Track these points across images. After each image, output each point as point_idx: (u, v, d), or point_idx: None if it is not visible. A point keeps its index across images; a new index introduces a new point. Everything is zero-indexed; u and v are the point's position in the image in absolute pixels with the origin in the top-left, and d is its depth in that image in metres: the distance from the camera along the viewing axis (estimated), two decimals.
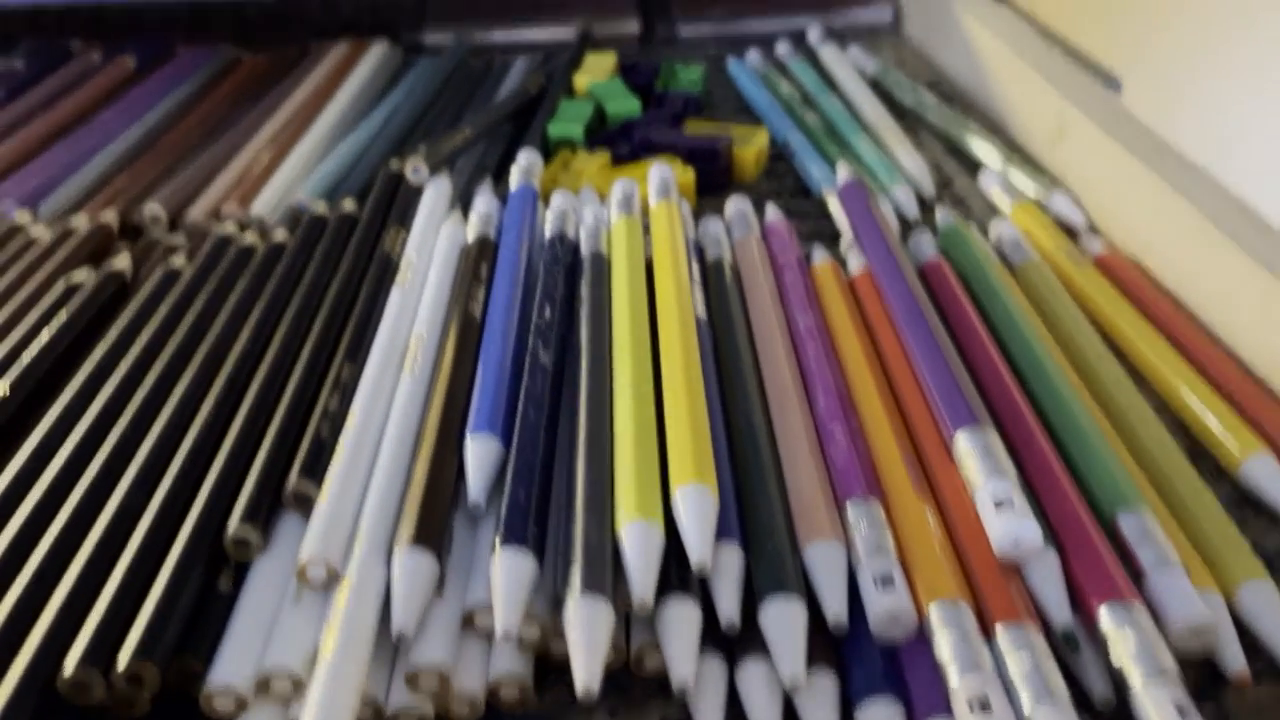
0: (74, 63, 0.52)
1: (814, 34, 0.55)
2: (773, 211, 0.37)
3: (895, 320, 0.30)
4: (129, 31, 0.60)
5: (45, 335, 0.31)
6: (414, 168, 0.38)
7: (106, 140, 0.45)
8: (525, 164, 0.39)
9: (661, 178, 0.37)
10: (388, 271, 0.33)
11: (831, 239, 0.36)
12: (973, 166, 0.42)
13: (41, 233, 0.37)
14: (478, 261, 0.33)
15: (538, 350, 0.28)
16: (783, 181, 0.42)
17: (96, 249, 0.36)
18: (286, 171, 0.42)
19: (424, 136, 0.45)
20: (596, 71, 0.50)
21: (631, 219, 0.34)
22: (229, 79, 0.51)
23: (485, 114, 0.44)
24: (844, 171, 0.38)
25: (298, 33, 0.58)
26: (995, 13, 0.48)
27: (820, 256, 0.34)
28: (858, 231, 0.34)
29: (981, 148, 0.42)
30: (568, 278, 0.32)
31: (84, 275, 0.34)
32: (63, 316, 0.32)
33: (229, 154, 0.43)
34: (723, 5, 0.59)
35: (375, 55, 0.53)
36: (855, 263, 0.34)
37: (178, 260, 0.34)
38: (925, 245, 0.35)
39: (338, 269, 0.33)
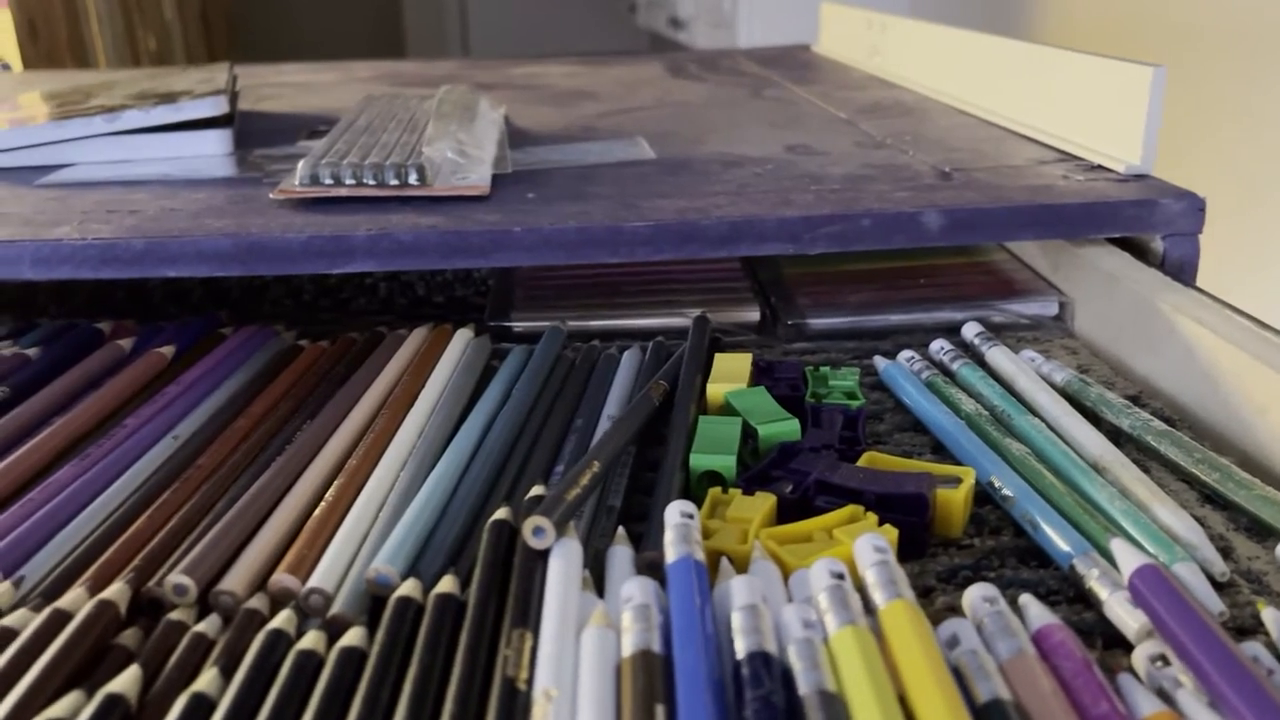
0: (100, 352, 0.42)
1: (971, 331, 0.47)
2: (1038, 610, 0.26)
3: None
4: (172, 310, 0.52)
5: None
6: (536, 528, 0.28)
7: (115, 472, 0.34)
8: (680, 522, 0.29)
9: (883, 560, 0.26)
10: (514, 706, 0.23)
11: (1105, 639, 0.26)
12: (1246, 524, 0.32)
13: (21, 619, 0.26)
14: (647, 694, 0.23)
15: None
16: (998, 539, 0.32)
17: (97, 641, 0.26)
18: (358, 513, 0.32)
19: (528, 460, 0.36)
20: (729, 376, 0.41)
21: (860, 630, 0.24)
22: (284, 374, 0.42)
23: (608, 439, 0.35)
24: (1127, 553, 0.28)
25: (359, 319, 0.50)
26: (1218, 316, 0.40)
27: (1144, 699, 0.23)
28: (1181, 645, 0.24)
29: (1262, 503, 0.32)
30: None
31: (74, 704, 0.24)
32: None
33: (283, 487, 0.33)
34: (856, 294, 0.51)
35: (459, 345, 0.44)
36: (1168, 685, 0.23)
37: (205, 678, 0.24)
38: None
39: (442, 699, 0.23)
